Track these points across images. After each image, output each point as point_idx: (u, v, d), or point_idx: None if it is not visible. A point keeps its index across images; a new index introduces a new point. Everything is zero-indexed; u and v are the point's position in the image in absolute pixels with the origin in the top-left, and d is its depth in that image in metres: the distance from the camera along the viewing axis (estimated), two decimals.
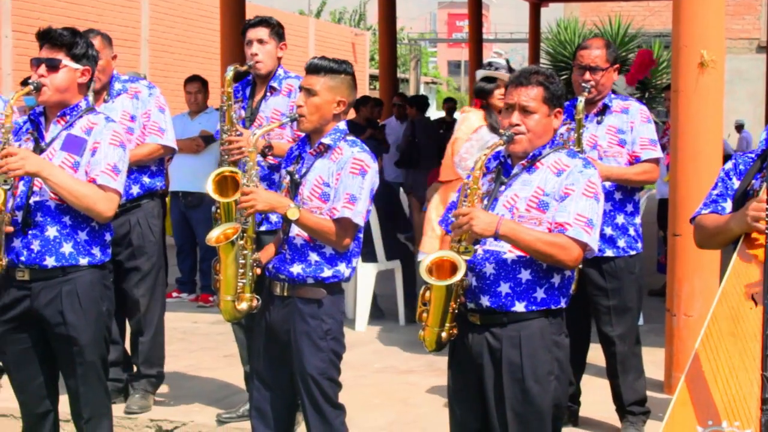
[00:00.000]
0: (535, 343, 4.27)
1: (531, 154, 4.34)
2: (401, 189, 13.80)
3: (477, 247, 4.30)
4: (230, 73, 5.86)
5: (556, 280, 4.30)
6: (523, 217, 4.24)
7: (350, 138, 4.79)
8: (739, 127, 26.68)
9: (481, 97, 6.94)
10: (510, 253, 4.26)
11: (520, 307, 4.27)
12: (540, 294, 4.27)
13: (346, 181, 4.66)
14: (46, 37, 4.81)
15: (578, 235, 4.18)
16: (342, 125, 4.81)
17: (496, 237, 4.18)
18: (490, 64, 7.21)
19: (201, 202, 9.51)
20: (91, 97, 6.02)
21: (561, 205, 4.22)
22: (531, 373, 4.26)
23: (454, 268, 4.19)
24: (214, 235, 4.83)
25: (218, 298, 4.89)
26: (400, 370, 7.59)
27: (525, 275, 4.27)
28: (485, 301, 4.30)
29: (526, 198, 4.28)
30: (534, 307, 4.27)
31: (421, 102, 14.85)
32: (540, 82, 4.31)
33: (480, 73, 7.10)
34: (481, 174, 4.31)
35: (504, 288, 4.28)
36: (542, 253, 4.18)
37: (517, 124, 4.31)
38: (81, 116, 4.83)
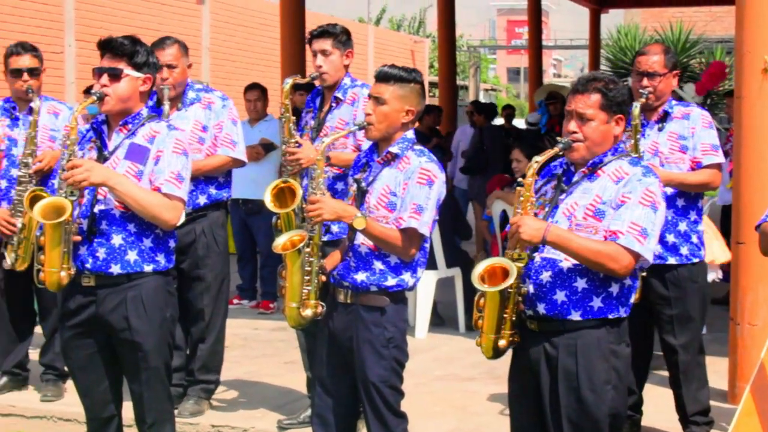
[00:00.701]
0: (592, 352, 4.26)
1: (591, 161, 4.32)
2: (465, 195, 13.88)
3: (535, 255, 4.31)
4: (288, 85, 5.89)
5: (615, 289, 4.27)
6: (580, 226, 4.24)
7: (418, 147, 4.77)
8: None
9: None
10: (566, 261, 4.25)
11: (576, 315, 4.26)
12: (597, 303, 4.25)
13: (413, 190, 4.65)
14: (107, 46, 4.86)
15: (630, 244, 4.15)
16: (410, 134, 4.79)
17: (544, 244, 4.18)
18: None
19: (261, 209, 9.52)
20: (166, 107, 6.08)
21: (617, 213, 4.19)
22: (587, 382, 4.25)
23: (506, 274, 4.21)
24: (280, 243, 4.85)
25: (283, 304, 4.92)
26: (460, 377, 7.57)
27: (581, 284, 4.25)
28: (541, 308, 4.30)
29: (584, 206, 4.26)
30: (590, 316, 4.25)
31: (490, 110, 14.90)
32: (597, 89, 4.29)
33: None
34: (533, 181, 4.31)
35: (560, 296, 4.27)
36: (590, 261, 4.17)
37: (574, 132, 4.30)
38: (143, 124, 4.87)
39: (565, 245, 4.17)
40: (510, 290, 4.27)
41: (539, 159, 4.28)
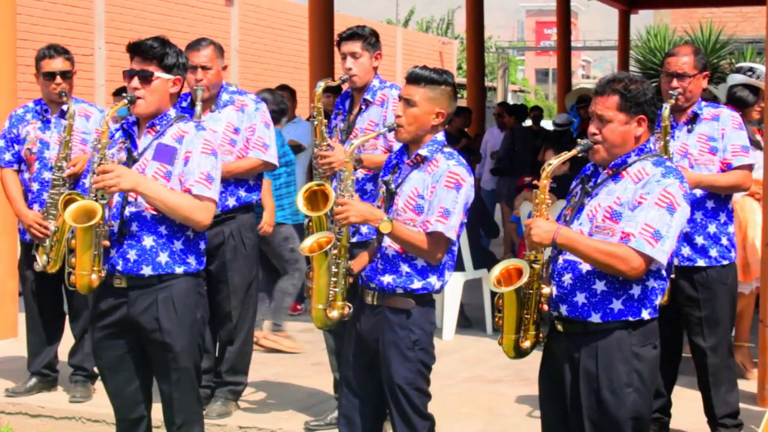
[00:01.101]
0: (612, 354, 4.25)
1: (614, 162, 4.32)
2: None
3: (559, 257, 4.34)
4: (320, 88, 5.91)
5: (636, 291, 4.25)
6: (599, 228, 4.25)
7: (447, 150, 4.76)
8: None
9: (738, 106, 6.69)
10: (586, 263, 4.25)
11: (596, 317, 4.27)
12: (617, 305, 4.25)
13: (440, 194, 4.64)
14: (137, 49, 4.88)
15: (640, 246, 4.13)
16: (440, 136, 4.78)
17: (555, 246, 4.22)
18: (751, 70, 6.99)
19: None
20: (199, 108, 6.10)
21: (632, 214, 4.19)
22: (607, 384, 4.25)
23: (520, 275, 4.27)
24: (307, 245, 4.87)
25: (310, 305, 4.92)
26: (487, 379, 7.56)
27: (600, 286, 4.26)
28: (564, 310, 4.33)
29: (604, 208, 4.27)
30: (611, 319, 4.25)
31: (520, 111, 14.87)
32: (616, 90, 4.28)
33: (737, 78, 6.88)
34: (548, 183, 4.33)
35: (580, 298, 4.29)
36: (599, 263, 4.19)
37: (594, 134, 4.31)
38: (171, 124, 4.89)
39: (574, 247, 4.20)
40: (530, 291, 4.33)
41: (553, 162, 4.33)
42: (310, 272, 4.88)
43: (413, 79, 4.72)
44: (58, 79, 6.75)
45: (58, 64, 6.78)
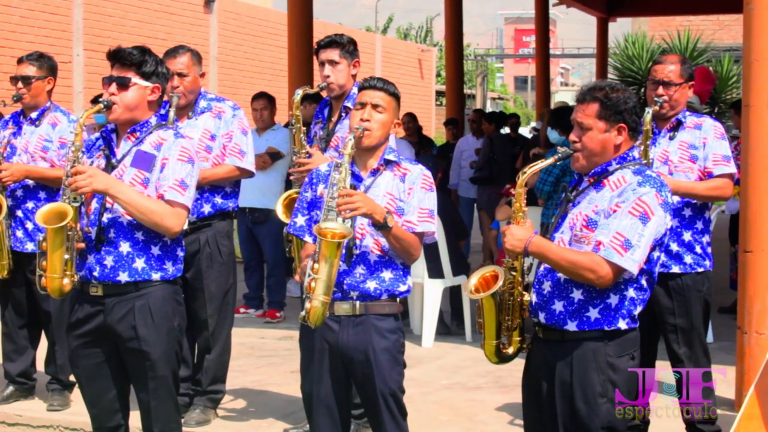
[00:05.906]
0: (587, 364, 4.26)
1: (594, 170, 4.33)
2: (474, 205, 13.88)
3: (541, 265, 4.34)
4: (298, 96, 5.90)
5: (613, 300, 4.26)
6: (577, 236, 4.26)
7: (402, 157, 4.83)
8: None
9: None
10: None
11: (572, 326, 4.28)
12: (593, 314, 4.25)
13: (419, 195, 4.67)
14: (116, 56, 4.88)
15: (608, 255, 4.13)
16: (393, 144, 4.85)
17: (527, 254, 4.23)
18: None
19: (267, 218, 9.55)
20: (172, 113, 6.09)
21: (606, 222, 4.19)
22: (580, 394, 4.26)
23: (497, 280, 4.31)
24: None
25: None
26: (467, 386, 7.56)
27: (577, 295, 4.27)
28: (542, 317, 4.35)
29: (583, 216, 4.28)
30: (587, 327, 4.26)
31: (499, 119, 14.86)
32: (596, 98, 4.29)
33: None
34: (525, 191, 4.34)
35: (558, 306, 4.30)
36: (569, 271, 4.20)
37: (575, 141, 4.32)
38: (151, 132, 4.88)
39: (545, 255, 4.22)
40: (510, 297, 4.36)
41: (526, 170, 4.34)
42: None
43: (381, 86, 4.73)
44: (19, 84, 6.76)
45: (21, 69, 6.79)
